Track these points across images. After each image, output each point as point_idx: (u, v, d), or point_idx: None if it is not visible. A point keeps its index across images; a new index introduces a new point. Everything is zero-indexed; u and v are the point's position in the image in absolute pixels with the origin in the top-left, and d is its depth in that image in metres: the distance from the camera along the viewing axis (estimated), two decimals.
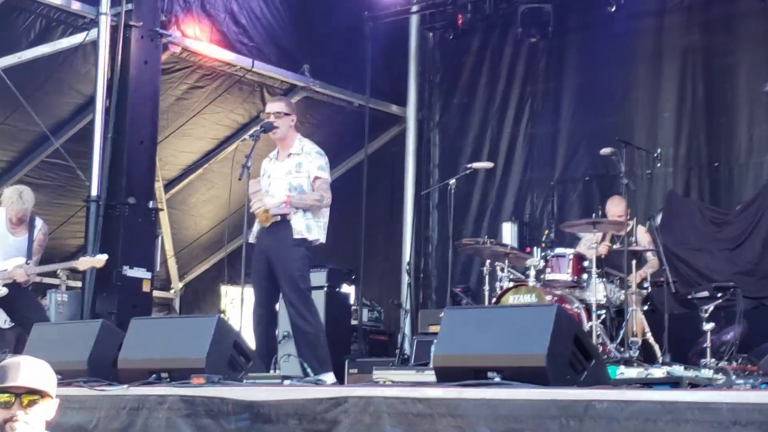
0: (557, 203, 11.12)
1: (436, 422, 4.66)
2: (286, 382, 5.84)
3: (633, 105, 10.82)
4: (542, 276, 8.12)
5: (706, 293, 7.92)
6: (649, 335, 7.98)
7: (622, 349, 7.65)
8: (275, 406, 5.14)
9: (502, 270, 8.43)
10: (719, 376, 6.56)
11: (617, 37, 10.73)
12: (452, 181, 8.96)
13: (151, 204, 9.70)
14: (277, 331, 7.34)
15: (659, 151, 9.62)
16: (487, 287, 8.55)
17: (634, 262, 8.03)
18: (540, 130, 11.49)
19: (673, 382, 5.87)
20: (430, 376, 6.19)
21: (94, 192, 9.40)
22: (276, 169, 7.01)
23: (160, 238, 10.07)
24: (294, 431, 5.06)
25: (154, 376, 6.00)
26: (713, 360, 7.35)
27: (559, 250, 8.31)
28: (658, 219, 9.72)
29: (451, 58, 12.36)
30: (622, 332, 7.83)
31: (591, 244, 8.26)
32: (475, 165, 9.82)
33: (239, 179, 6.81)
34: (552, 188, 11.23)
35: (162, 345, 6.19)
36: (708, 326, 7.52)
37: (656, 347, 7.89)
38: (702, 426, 4.04)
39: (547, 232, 9.26)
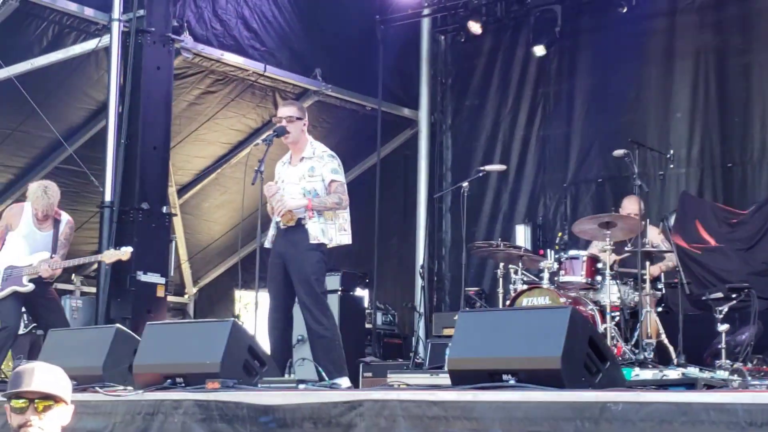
0: (570, 205, 11.10)
1: (451, 425, 4.65)
2: (301, 386, 5.84)
3: (645, 106, 10.80)
4: (556, 278, 8.11)
5: (720, 294, 7.90)
6: (663, 337, 7.96)
7: (636, 351, 7.63)
8: (291, 410, 5.14)
9: (516, 272, 8.42)
10: (734, 377, 6.54)
11: (629, 38, 10.72)
12: (465, 184, 8.95)
13: (164, 209, 9.72)
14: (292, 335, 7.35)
15: (672, 152, 9.59)
16: (500, 290, 8.55)
17: (647, 263, 8.01)
18: (552, 131, 11.48)
19: (689, 384, 5.84)
20: (444, 379, 6.18)
21: (107, 197, 9.44)
22: (289, 174, 7.02)
23: (173, 243, 10.09)
24: None
25: (169, 381, 6.01)
26: (728, 361, 7.32)
27: (572, 252, 8.30)
28: (672, 220, 9.69)
29: (462, 61, 12.37)
30: (636, 334, 7.81)
31: (603, 246, 8.24)
32: (488, 168, 9.82)
33: (252, 184, 6.84)
34: (565, 190, 11.22)
35: (177, 350, 6.20)
36: (723, 327, 7.51)
37: (671, 349, 7.86)
38: (717, 427, 4.02)
39: (560, 234, 9.24)
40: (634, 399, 4.35)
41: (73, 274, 11.63)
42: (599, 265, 8.08)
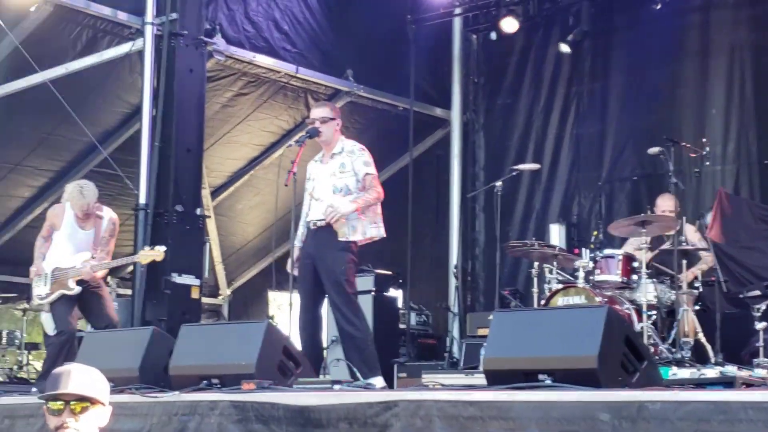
0: (605, 203, 11.03)
1: (487, 425, 4.63)
2: (336, 386, 5.84)
3: (680, 103, 10.72)
4: (591, 277, 8.06)
5: (757, 292, 7.83)
6: (701, 335, 7.89)
7: (673, 350, 7.57)
8: (326, 410, 5.14)
9: (551, 272, 8.38)
10: None
11: (663, 35, 10.63)
12: (498, 184, 8.93)
13: (198, 211, 9.77)
14: (324, 336, 7.35)
15: (707, 149, 9.51)
16: (535, 289, 8.51)
17: (684, 261, 7.95)
18: (586, 129, 11.41)
19: (727, 382, 5.79)
20: (479, 379, 6.16)
21: (142, 200, 9.50)
22: (321, 171, 7.04)
23: (207, 244, 10.12)
24: None
25: (205, 382, 6.03)
26: (766, 359, 7.25)
27: (608, 251, 8.25)
28: (708, 218, 9.60)
29: (494, 60, 12.33)
30: (673, 333, 7.75)
31: (639, 244, 8.18)
32: (522, 167, 9.79)
33: (286, 185, 6.83)
34: (599, 188, 11.15)
35: (212, 351, 6.22)
36: (761, 325, 7.44)
37: (708, 347, 7.79)
38: (756, 425, 3.98)
39: (596, 233, 9.18)
40: (671, 398, 4.31)
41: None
42: (635, 264, 8.03)
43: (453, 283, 11.14)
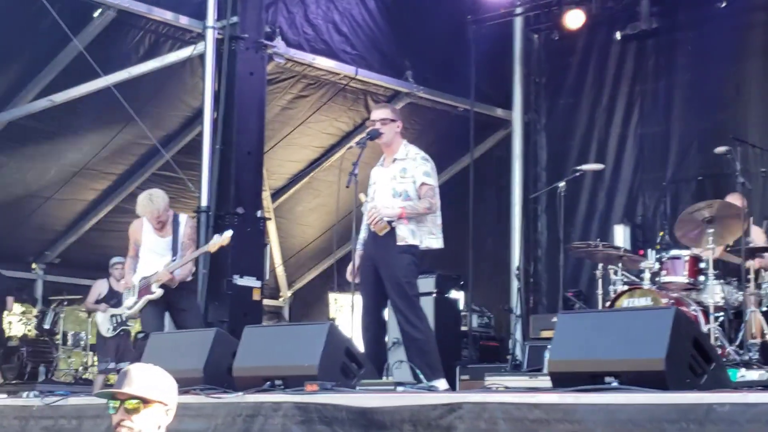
0: (670, 204, 10.89)
1: (552, 428, 4.58)
2: (399, 388, 5.82)
3: (745, 102, 10.56)
4: (657, 279, 7.96)
5: None
6: None
7: (741, 352, 7.44)
8: (390, 412, 5.12)
9: (616, 273, 8.29)
10: None
11: (728, 33, 10.50)
12: (562, 184, 8.85)
13: (259, 213, 9.81)
14: (386, 338, 7.33)
15: None
16: (600, 291, 8.42)
17: (751, 262, 7.80)
18: (650, 129, 11.28)
19: None
20: (543, 381, 6.11)
21: (204, 203, 9.57)
22: (381, 175, 7.01)
23: (268, 246, 10.16)
24: None
25: (268, 383, 6.04)
26: None
27: (674, 252, 8.12)
28: None
29: (556, 59, 12.24)
30: (741, 334, 7.61)
31: (706, 244, 8.05)
32: (586, 167, 9.70)
33: (347, 186, 6.81)
34: (664, 189, 11.01)
35: (275, 352, 6.23)
36: None
37: None
38: None
39: (662, 233, 9.06)
40: (740, 400, 4.23)
41: None
42: (702, 265, 7.91)
43: (515, 284, 11.05)
